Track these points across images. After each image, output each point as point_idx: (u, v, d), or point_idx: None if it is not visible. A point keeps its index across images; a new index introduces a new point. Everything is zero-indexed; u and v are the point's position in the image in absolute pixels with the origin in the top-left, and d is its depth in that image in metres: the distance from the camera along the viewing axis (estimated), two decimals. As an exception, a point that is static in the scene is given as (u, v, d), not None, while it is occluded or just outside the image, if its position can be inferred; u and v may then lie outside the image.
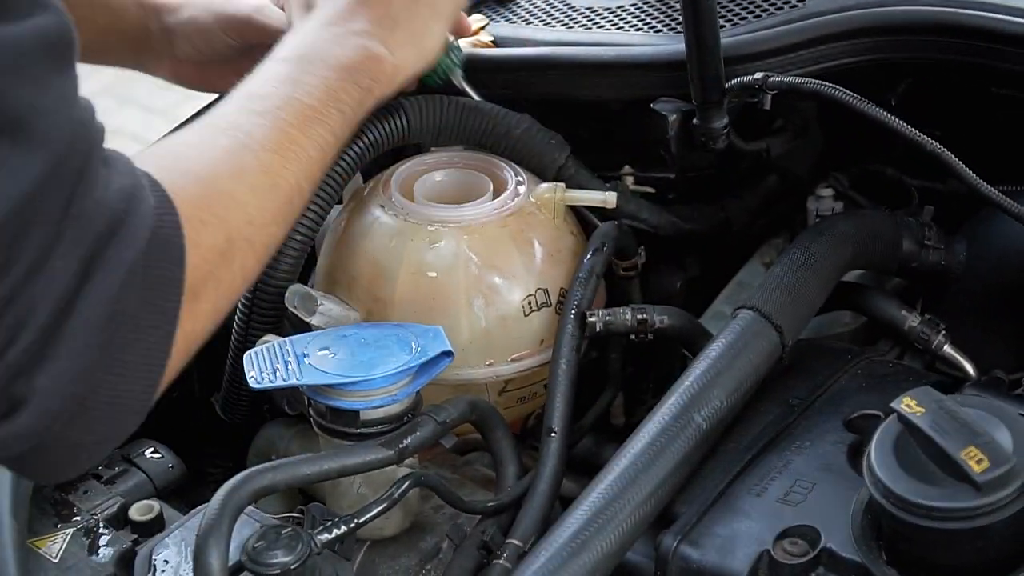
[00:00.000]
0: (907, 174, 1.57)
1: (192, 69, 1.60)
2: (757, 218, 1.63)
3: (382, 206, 1.42)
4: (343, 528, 1.20)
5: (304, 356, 1.27)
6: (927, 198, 1.53)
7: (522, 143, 1.49)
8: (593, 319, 1.37)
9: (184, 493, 1.41)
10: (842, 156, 1.63)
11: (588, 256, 1.41)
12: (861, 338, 1.56)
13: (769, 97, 1.40)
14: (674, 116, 1.47)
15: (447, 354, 1.27)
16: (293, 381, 1.25)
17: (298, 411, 1.35)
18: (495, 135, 1.49)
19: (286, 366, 1.26)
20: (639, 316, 1.38)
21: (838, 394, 1.32)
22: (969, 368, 1.40)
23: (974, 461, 1.03)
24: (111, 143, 1.00)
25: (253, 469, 1.19)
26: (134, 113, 4.61)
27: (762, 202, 1.63)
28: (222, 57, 1.56)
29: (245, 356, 1.28)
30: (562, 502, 1.27)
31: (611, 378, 1.50)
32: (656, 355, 1.54)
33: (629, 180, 1.55)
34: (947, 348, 1.40)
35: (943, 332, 1.40)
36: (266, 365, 1.26)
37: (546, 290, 1.41)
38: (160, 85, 1.69)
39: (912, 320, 1.41)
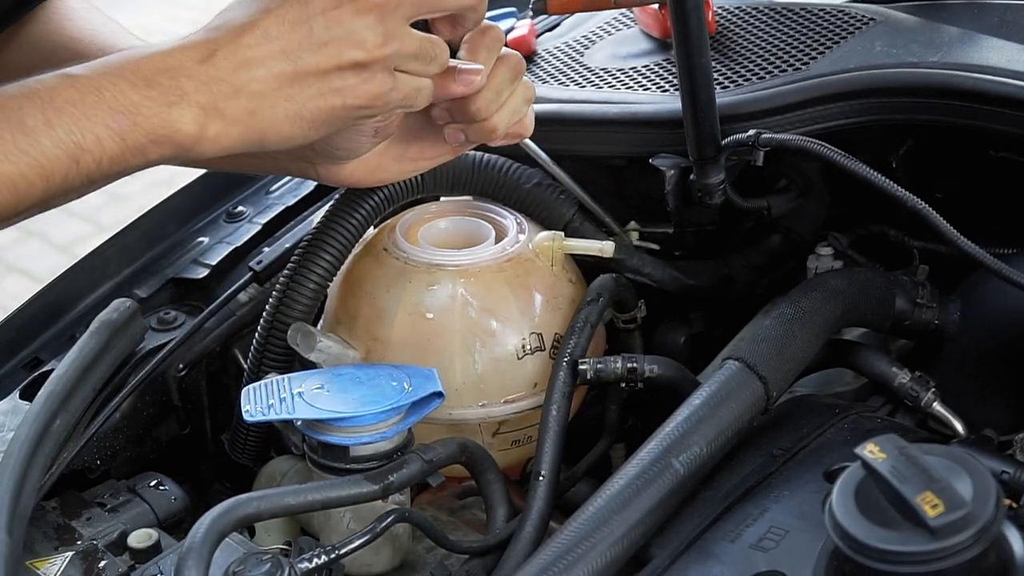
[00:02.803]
0: (910, 236, 1.59)
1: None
2: (761, 276, 1.66)
3: (385, 249, 1.47)
4: (324, 558, 1.23)
5: (299, 392, 1.31)
6: (928, 260, 1.55)
7: (531, 197, 1.54)
8: (584, 367, 1.40)
9: (187, 526, 1.45)
10: (849, 217, 1.65)
11: (584, 306, 1.44)
12: (864, 398, 1.58)
13: (761, 153, 1.44)
14: (672, 171, 1.50)
15: (438, 395, 1.31)
16: (285, 415, 1.29)
17: (303, 450, 1.39)
18: (506, 188, 1.54)
19: (280, 401, 1.30)
20: (629, 365, 1.41)
21: (823, 447, 1.33)
22: (958, 426, 1.41)
23: (929, 506, 1.03)
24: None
25: (240, 497, 1.23)
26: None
27: (766, 260, 1.66)
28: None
29: (243, 391, 1.32)
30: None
31: (607, 428, 1.53)
32: (659, 407, 1.56)
33: (634, 235, 1.58)
34: (936, 406, 1.41)
35: (932, 389, 1.42)
36: (262, 400, 1.30)
37: (540, 335, 1.44)
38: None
39: (902, 377, 1.42)
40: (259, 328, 1.47)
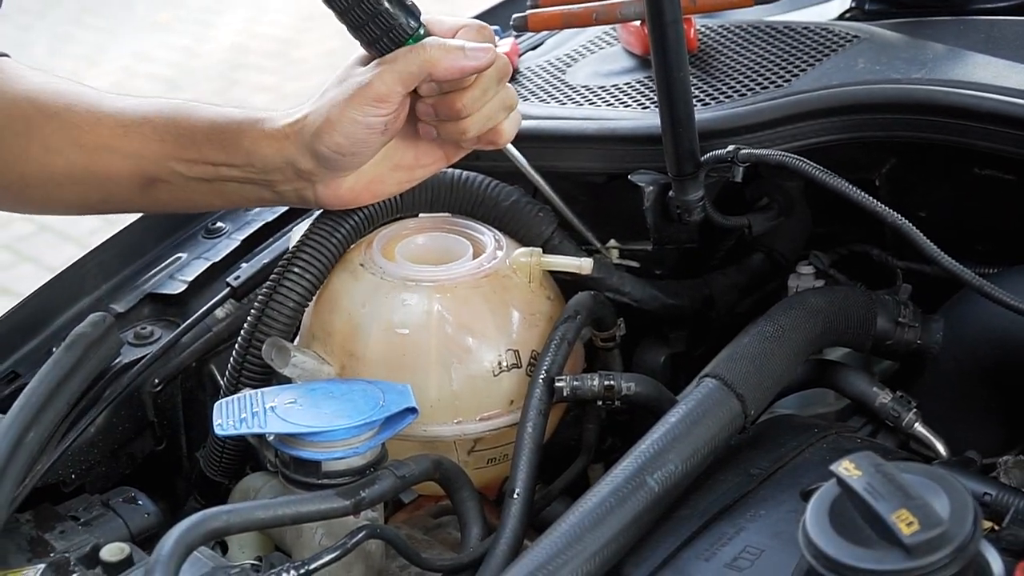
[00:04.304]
0: (893, 255, 1.58)
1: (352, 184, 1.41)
2: (743, 295, 1.64)
3: (361, 264, 1.46)
4: (294, 573, 1.21)
5: (272, 407, 1.30)
6: (912, 280, 1.54)
7: (510, 214, 1.53)
8: (561, 384, 1.38)
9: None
10: (831, 236, 1.64)
11: (561, 323, 1.43)
12: (845, 419, 1.56)
13: (740, 169, 1.43)
14: (651, 188, 1.49)
15: (411, 410, 1.30)
16: (257, 429, 1.28)
17: (276, 465, 1.37)
18: (484, 206, 1.53)
19: (253, 415, 1.29)
20: (606, 382, 1.39)
21: (800, 466, 1.31)
22: (940, 447, 1.40)
23: (904, 523, 1.02)
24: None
25: (209, 510, 1.21)
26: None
27: (747, 279, 1.65)
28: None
29: (215, 405, 1.31)
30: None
31: (585, 447, 1.51)
32: (638, 427, 1.54)
33: (614, 253, 1.57)
34: (918, 426, 1.40)
35: (914, 410, 1.40)
36: (234, 414, 1.29)
37: (517, 351, 1.43)
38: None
39: (884, 397, 1.41)
40: (237, 345, 1.47)
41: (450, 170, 1.51)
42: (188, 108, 1.43)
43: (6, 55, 1.52)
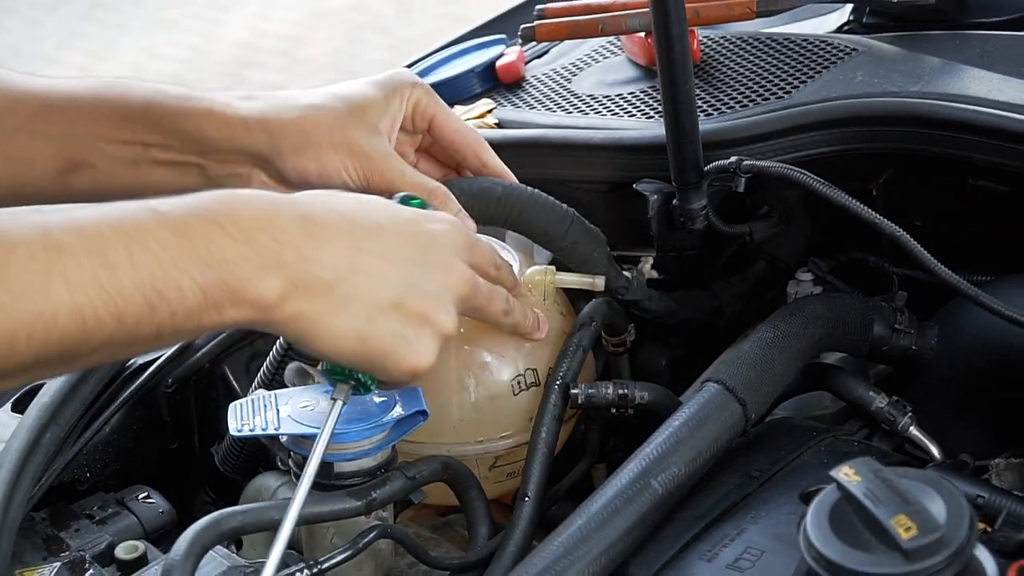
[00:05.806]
0: (890, 262, 1.61)
1: None
2: (748, 303, 1.67)
3: (380, 287, 1.47)
4: (307, 572, 1.25)
5: (285, 409, 1.32)
6: (908, 287, 1.57)
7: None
8: (576, 391, 1.42)
9: (174, 538, 1.47)
10: (829, 243, 1.68)
11: (576, 330, 1.46)
12: (841, 422, 1.60)
13: (743, 180, 1.46)
14: (655, 196, 1.52)
15: (422, 413, 1.32)
16: (270, 431, 1.30)
17: (289, 466, 1.40)
18: (505, 209, 1.52)
19: (266, 417, 1.31)
20: (620, 391, 1.43)
21: (799, 469, 1.35)
22: (934, 451, 1.43)
23: (903, 528, 1.05)
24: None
25: (224, 510, 1.25)
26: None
27: (752, 287, 1.68)
28: None
29: (230, 406, 1.34)
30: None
31: (589, 448, 1.54)
32: (641, 429, 1.57)
33: (646, 267, 1.58)
34: (913, 430, 1.43)
35: (909, 414, 1.44)
36: (248, 415, 1.32)
37: (535, 370, 1.46)
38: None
39: (880, 401, 1.44)
40: (267, 361, 1.50)
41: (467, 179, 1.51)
42: (122, 85, 1.37)
43: None
